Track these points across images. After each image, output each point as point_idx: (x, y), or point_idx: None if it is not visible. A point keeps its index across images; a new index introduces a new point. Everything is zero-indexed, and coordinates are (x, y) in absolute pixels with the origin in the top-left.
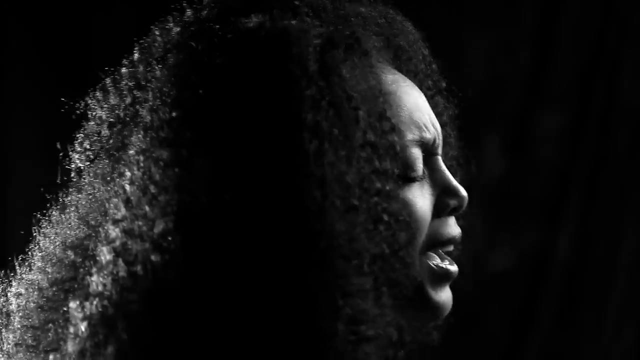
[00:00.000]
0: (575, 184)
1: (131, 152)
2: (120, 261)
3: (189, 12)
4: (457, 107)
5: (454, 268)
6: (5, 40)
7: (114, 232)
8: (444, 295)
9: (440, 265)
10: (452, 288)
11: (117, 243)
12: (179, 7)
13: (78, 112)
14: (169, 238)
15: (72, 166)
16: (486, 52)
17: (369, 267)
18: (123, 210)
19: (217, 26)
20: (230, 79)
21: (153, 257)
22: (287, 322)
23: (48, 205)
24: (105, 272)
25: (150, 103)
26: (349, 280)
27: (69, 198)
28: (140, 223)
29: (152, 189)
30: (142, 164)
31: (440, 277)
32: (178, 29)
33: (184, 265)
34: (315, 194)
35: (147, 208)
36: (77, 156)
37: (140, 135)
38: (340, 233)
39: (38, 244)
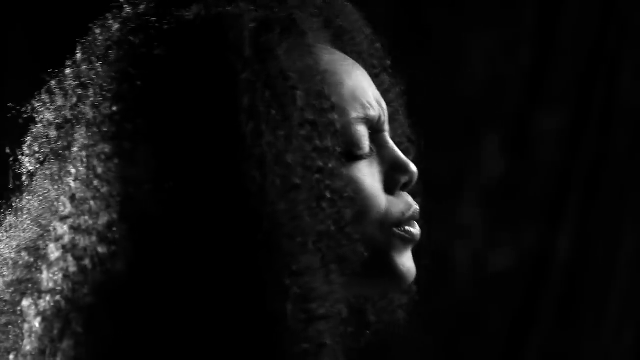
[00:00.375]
0: (575, 184)
1: (75, 149)
2: (69, 257)
3: (127, 9)
4: (403, 86)
5: (416, 230)
6: (5, 45)
7: (61, 229)
8: (408, 262)
9: (402, 228)
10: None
11: (65, 239)
12: (118, 4)
13: (25, 115)
14: (114, 229)
15: (23, 170)
16: (486, 52)
17: (315, 245)
18: (69, 207)
19: (154, 19)
20: (168, 69)
21: (100, 249)
22: (236, 304)
23: (1, 210)
24: (55, 268)
25: (92, 99)
26: (295, 259)
27: (22, 202)
28: (86, 217)
29: (96, 182)
30: (84, 160)
31: (404, 239)
32: (117, 26)
33: (132, 254)
34: (255, 174)
35: (91, 202)
36: (27, 160)
37: (83, 132)
38: (283, 212)
39: None
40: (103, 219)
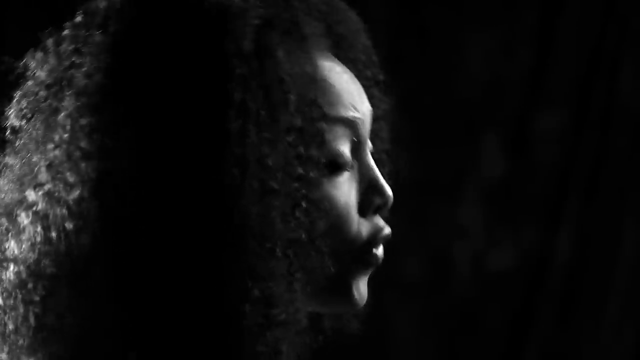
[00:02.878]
0: (575, 184)
1: (61, 116)
2: (38, 225)
3: None
4: (394, 100)
5: (380, 254)
6: (4, 39)
7: (34, 195)
8: (362, 288)
9: (366, 252)
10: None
11: (36, 207)
12: None
13: (18, 71)
14: (85, 204)
15: (8, 124)
16: (486, 52)
17: (283, 251)
18: (45, 174)
19: None
20: (164, 50)
21: (67, 223)
22: (196, 298)
23: None
24: (22, 237)
25: (85, 68)
26: (260, 262)
27: (5, 159)
28: (59, 187)
29: (76, 154)
30: (69, 128)
31: (366, 263)
32: None
33: (97, 232)
34: (234, 172)
35: (68, 173)
36: (13, 114)
37: (71, 100)
38: (256, 215)
39: None
40: (75, 193)
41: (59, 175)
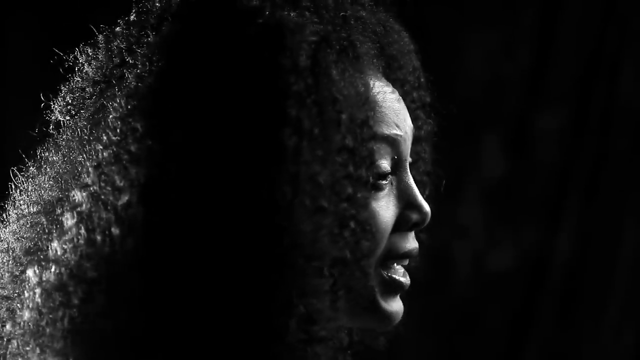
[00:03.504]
0: (575, 184)
1: (111, 117)
2: (82, 227)
3: None
4: (437, 124)
5: (406, 280)
6: (3, 39)
7: (80, 196)
8: (395, 306)
9: (393, 276)
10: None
11: (81, 208)
12: None
13: (66, 65)
14: (132, 210)
15: (52, 118)
16: (486, 52)
17: (329, 270)
18: (92, 175)
19: (217, 1)
20: (220, 60)
21: (113, 228)
22: (240, 313)
23: (26, 158)
24: (65, 237)
25: (138, 70)
26: (306, 280)
27: (46, 153)
28: (107, 190)
29: (125, 158)
30: (119, 131)
31: (392, 287)
32: None
33: (143, 238)
34: (286, 190)
35: (116, 177)
36: (58, 109)
37: (122, 101)
38: (305, 233)
39: (14, 200)
40: (124, 198)
41: (106, 178)
